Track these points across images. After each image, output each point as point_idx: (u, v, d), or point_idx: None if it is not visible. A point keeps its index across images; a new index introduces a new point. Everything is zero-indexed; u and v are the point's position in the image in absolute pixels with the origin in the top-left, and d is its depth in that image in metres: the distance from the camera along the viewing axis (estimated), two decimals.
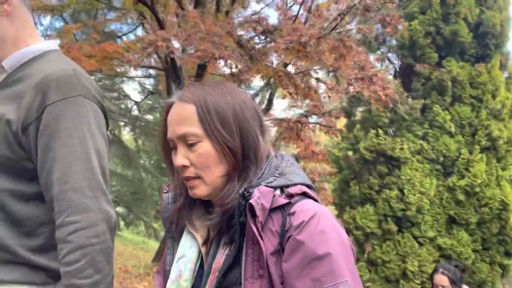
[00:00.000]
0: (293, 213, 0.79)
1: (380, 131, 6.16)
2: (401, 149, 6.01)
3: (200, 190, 0.86)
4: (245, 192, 0.80)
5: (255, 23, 5.14)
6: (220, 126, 0.84)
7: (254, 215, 0.77)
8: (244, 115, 0.87)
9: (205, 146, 0.84)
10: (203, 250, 0.88)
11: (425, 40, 6.35)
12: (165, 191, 0.97)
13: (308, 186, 0.86)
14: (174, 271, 0.89)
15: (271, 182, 0.82)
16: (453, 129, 6.04)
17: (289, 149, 11.67)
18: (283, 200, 0.80)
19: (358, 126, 6.62)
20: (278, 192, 0.82)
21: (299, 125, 7.87)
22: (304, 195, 0.84)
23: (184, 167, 0.85)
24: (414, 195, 5.88)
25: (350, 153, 6.79)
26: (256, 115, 0.89)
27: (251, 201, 0.77)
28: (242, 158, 0.85)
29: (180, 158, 0.85)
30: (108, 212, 1.00)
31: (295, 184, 0.84)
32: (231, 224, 0.81)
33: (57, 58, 1.10)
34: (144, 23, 8.17)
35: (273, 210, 0.80)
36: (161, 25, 7.37)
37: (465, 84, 6.15)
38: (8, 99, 1.04)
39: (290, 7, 8.40)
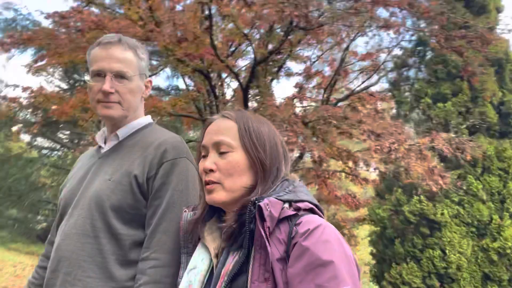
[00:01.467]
0: (299, 223, 0.86)
1: (422, 197, 7.12)
2: (442, 214, 6.97)
3: (219, 195, 0.95)
4: (256, 201, 0.86)
5: (326, 111, 6.11)
6: (256, 142, 0.97)
7: (262, 219, 0.83)
8: (275, 141, 1.00)
9: (235, 156, 0.96)
10: (214, 261, 0.94)
11: (457, 119, 7.44)
12: (185, 211, 1.07)
13: (316, 206, 0.94)
14: (184, 282, 0.95)
15: (281, 196, 0.91)
16: (484, 197, 7.04)
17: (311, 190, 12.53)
18: (290, 212, 0.88)
19: (399, 190, 7.57)
20: (286, 205, 0.90)
21: (327, 174, 8.76)
22: (311, 211, 0.92)
23: (211, 171, 0.96)
24: (455, 254, 6.81)
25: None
26: (283, 147, 1.03)
27: (260, 203, 0.84)
28: (268, 174, 0.96)
29: (209, 162, 0.96)
30: (160, 260, 1.15)
31: (303, 201, 0.92)
32: (241, 232, 0.87)
33: (161, 128, 1.40)
34: (190, 78, 9.06)
35: (281, 220, 0.87)
36: (214, 92, 8.32)
37: (493, 157, 7.20)
38: (130, 159, 1.27)
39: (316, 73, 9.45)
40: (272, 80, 8.93)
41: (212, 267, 0.93)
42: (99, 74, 1.30)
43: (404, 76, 8.74)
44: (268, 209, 0.83)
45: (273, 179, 0.96)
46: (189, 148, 1.33)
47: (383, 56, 8.70)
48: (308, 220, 0.85)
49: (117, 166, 1.26)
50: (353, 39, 8.22)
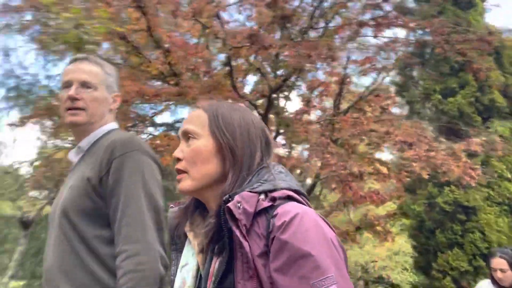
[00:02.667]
0: (276, 215, 0.81)
1: (453, 187, 7.70)
2: (474, 199, 7.54)
3: (185, 184, 0.91)
4: (229, 199, 0.83)
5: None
6: (224, 128, 0.92)
7: (234, 218, 0.80)
8: (249, 130, 0.94)
9: (198, 143, 0.92)
10: (198, 258, 0.91)
11: (470, 108, 8.04)
12: (171, 207, 1.02)
13: (296, 192, 0.89)
14: (178, 280, 0.93)
15: (255, 187, 0.86)
16: (509, 175, 7.62)
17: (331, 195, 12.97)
18: (266, 204, 0.83)
19: (430, 184, 8.14)
20: (262, 196, 0.85)
21: (351, 177, 9.31)
22: (289, 198, 0.86)
23: (178, 159, 0.93)
24: (494, 234, 7.37)
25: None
26: (262, 135, 0.96)
27: (228, 204, 0.80)
28: (239, 162, 0.90)
29: (177, 150, 0.93)
30: (152, 243, 1.17)
31: (280, 189, 0.86)
32: (221, 231, 0.84)
33: (120, 131, 1.42)
34: None
35: (258, 214, 0.83)
36: None
37: (510, 138, 7.80)
38: (86, 165, 1.31)
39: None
40: (285, 102, 9.50)
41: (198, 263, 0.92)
42: (68, 85, 1.41)
43: (408, 75, 9.33)
44: (241, 207, 0.80)
45: (247, 168, 0.91)
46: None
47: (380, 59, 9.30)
48: (284, 211, 0.81)
49: (77, 174, 1.32)
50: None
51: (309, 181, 9.53)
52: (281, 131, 8.36)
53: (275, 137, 8.93)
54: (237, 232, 0.79)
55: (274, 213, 0.82)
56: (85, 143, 1.39)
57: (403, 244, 15.01)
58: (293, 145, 8.99)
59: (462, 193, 7.62)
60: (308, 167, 7.27)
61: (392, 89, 9.94)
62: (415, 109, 8.56)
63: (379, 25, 7.11)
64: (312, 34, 8.40)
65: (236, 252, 0.80)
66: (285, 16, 7.53)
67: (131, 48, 6.32)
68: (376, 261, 18.06)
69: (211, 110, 0.95)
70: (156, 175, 1.30)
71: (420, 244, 8.51)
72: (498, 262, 2.93)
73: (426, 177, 5.45)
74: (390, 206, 12.26)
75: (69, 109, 1.40)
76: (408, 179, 8.82)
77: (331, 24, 8.55)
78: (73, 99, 1.39)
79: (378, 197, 9.82)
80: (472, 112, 8.03)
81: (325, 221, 0.84)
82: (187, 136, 0.94)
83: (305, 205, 0.86)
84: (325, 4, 8.02)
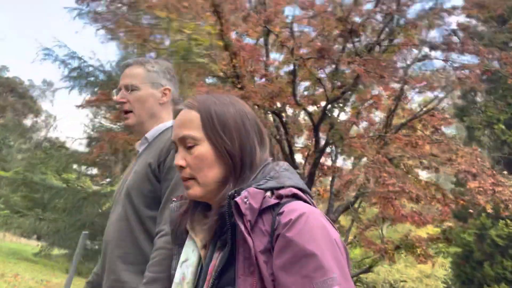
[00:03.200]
0: (282, 213, 0.81)
1: (508, 221, 7.49)
2: None
3: (194, 191, 0.91)
4: (234, 193, 0.82)
5: None
6: (221, 131, 0.90)
7: (240, 213, 0.79)
8: (244, 125, 0.92)
9: (201, 149, 0.90)
10: (202, 253, 0.91)
11: None
12: (174, 201, 1.02)
13: (302, 190, 0.88)
14: (178, 275, 0.93)
15: (262, 184, 0.85)
16: None
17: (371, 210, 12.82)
18: (272, 201, 0.83)
19: (483, 214, 7.95)
20: (268, 193, 0.84)
21: (394, 195, 9.18)
22: (295, 197, 0.85)
23: (181, 167, 0.91)
24: None
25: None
26: (256, 127, 0.94)
27: (236, 199, 0.80)
28: (240, 163, 0.89)
29: (178, 159, 0.92)
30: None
31: (286, 187, 0.86)
32: (223, 226, 0.84)
33: None
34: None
35: (263, 210, 0.82)
36: (286, 128, 8.96)
37: None
38: (149, 153, 1.42)
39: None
40: (339, 114, 9.54)
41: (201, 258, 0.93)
42: (119, 91, 1.55)
43: (471, 100, 9.14)
44: (247, 202, 0.81)
45: (249, 166, 0.90)
46: None
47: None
48: (291, 209, 0.81)
49: (141, 160, 1.45)
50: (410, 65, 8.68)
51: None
52: (331, 141, 8.40)
53: (324, 146, 8.99)
54: (242, 227, 0.79)
55: (280, 210, 0.82)
56: (150, 135, 1.50)
57: (436, 268, 14.54)
58: (342, 155, 9.02)
59: None
60: (361, 182, 7.28)
61: (452, 112, 9.76)
62: (474, 136, 8.38)
63: (451, 49, 7.03)
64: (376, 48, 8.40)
65: (239, 247, 0.80)
66: (353, 31, 7.60)
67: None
68: (406, 281, 17.73)
69: (204, 111, 0.92)
70: None
71: (465, 274, 8.33)
72: None
73: (490, 211, 5.37)
74: (432, 229, 12.03)
75: (123, 112, 1.54)
76: (457, 206, 8.66)
77: (395, 40, 8.53)
78: (119, 103, 1.53)
79: (419, 218, 9.70)
80: None
81: (329, 221, 0.84)
82: (186, 142, 0.91)
83: (310, 204, 0.85)
84: (395, 23, 8.00)
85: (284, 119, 9.05)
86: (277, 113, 8.53)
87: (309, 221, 0.79)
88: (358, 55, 7.65)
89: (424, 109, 9.29)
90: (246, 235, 0.78)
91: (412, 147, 8.61)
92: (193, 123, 0.92)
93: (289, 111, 9.83)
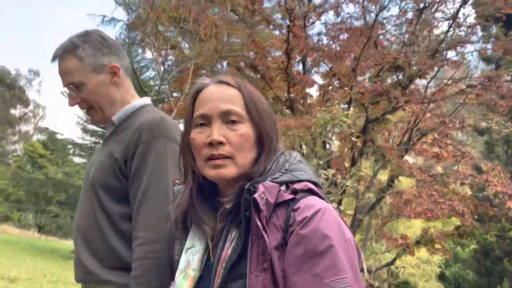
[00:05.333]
0: (297, 209, 0.79)
1: None
2: None
3: (229, 171, 0.85)
4: (251, 187, 0.81)
5: None
6: (262, 114, 0.89)
7: (258, 210, 0.77)
8: (270, 112, 0.93)
9: (246, 128, 0.87)
10: (210, 243, 0.90)
11: None
12: (176, 184, 0.99)
13: (315, 184, 0.87)
14: (183, 261, 0.91)
15: (277, 178, 0.83)
16: None
17: None
18: (287, 196, 0.81)
19: (504, 219, 9.54)
20: (283, 187, 0.83)
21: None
22: (310, 191, 0.85)
23: (220, 143, 0.85)
24: None
25: None
26: (272, 112, 0.95)
27: (255, 195, 0.78)
28: (273, 147, 0.90)
29: (217, 134, 0.85)
30: (149, 238, 1.18)
31: (301, 181, 0.85)
32: (238, 217, 0.82)
33: (150, 110, 1.39)
34: None
35: (277, 205, 0.81)
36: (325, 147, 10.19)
37: None
38: (116, 143, 1.33)
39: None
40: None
41: (208, 246, 0.90)
42: (66, 90, 1.39)
43: (489, 118, 10.59)
44: (264, 198, 0.78)
45: (274, 151, 0.90)
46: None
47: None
48: (307, 205, 0.79)
49: (107, 149, 1.34)
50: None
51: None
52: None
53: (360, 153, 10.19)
54: (259, 224, 0.77)
55: (296, 206, 0.80)
56: (116, 118, 1.39)
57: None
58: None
59: None
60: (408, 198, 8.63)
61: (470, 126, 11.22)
62: (494, 151, 9.90)
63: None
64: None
65: (252, 242, 0.78)
66: (398, 67, 8.87)
67: None
68: (404, 267, 19.51)
69: (244, 90, 0.90)
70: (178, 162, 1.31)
71: (485, 268, 9.98)
72: None
73: None
74: (446, 226, 13.62)
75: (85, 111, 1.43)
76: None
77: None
78: (73, 105, 1.40)
79: (432, 214, 11.23)
80: None
81: (343, 220, 0.82)
82: (229, 117, 0.87)
83: (323, 198, 0.85)
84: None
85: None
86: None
87: (324, 219, 0.78)
88: (402, 86, 8.96)
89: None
90: (263, 232, 0.77)
91: (438, 159, 10.06)
92: (237, 101, 0.88)
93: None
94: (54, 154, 31.94)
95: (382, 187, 10.55)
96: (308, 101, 9.44)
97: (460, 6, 8.39)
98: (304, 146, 8.78)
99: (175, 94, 13.78)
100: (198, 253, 0.91)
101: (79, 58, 1.35)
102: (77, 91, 1.37)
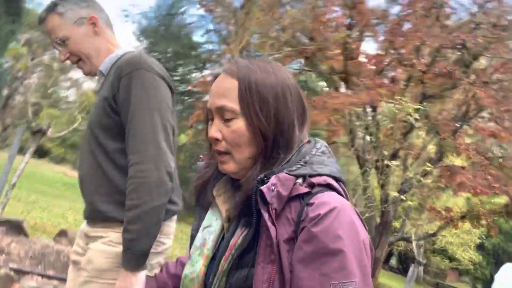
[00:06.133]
0: (311, 204, 0.77)
1: None
2: None
3: (229, 167, 0.86)
4: (264, 178, 0.79)
5: None
6: (258, 108, 0.82)
7: (265, 202, 0.76)
8: (285, 99, 0.84)
9: (240, 124, 0.83)
10: (225, 225, 0.89)
11: None
12: (201, 160, 0.98)
13: (336, 179, 0.84)
14: (199, 239, 0.92)
15: (294, 170, 0.81)
16: None
17: None
18: (303, 189, 0.79)
19: None
20: (299, 180, 0.80)
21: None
22: (328, 186, 0.81)
23: (216, 140, 0.85)
24: None
25: None
26: (298, 101, 0.87)
27: (262, 188, 0.76)
28: (272, 145, 0.83)
29: (213, 130, 0.86)
30: (156, 155, 1.27)
31: (320, 175, 0.82)
32: (250, 207, 0.80)
33: (133, 52, 1.46)
34: None
35: (292, 198, 0.79)
36: None
37: None
38: (106, 85, 1.42)
39: None
40: None
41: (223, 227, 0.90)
42: (54, 47, 1.52)
43: None
44: (275, 190, 0.76)
45: (284, 147, 0.84)
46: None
47: None
48: (322, 202, 0.76)
49: (100, 94, 1.43)
50: None
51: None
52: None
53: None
54: (266, 216, 0.75)
55: (310, 201, 0.78)
56: (104, 67, 1.48)
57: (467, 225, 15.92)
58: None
59: None
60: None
61: None
62: None
63: None
64: None
65: (262, 233, 0.77)
66: (463, 45, 8.55)
67: None
68: (445, 236, 19.56)
69: (242, 80, 0.83)
70: (163, 91, 1.35)
71: None
72: None
73: None
74: (499, 204, 13.43)
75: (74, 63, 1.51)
76: None
77: None
78: (64, 60, 1.51)
79: (480, 189, 11.13)
80: None
81: (360, 218, 0.80)
82: (223, 114, 0.84)
83: (343, 194, 0.82)
84: None
85: None
86: None
87: (338, 218, 0.75)
88: (465, 65, 8.68)
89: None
90: (269, 224, 0.75)
91: (494, 137, 9.84)
92: (231, 93, 0.84)
93: None
94: None
95: (430, 159, 10.52)
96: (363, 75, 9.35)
97: None
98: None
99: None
100: (213, 233, 0.91)
101: (60, 14, 1.47)
102: (64, 46, 1.48)
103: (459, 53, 8.67)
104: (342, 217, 0.76)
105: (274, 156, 0.84)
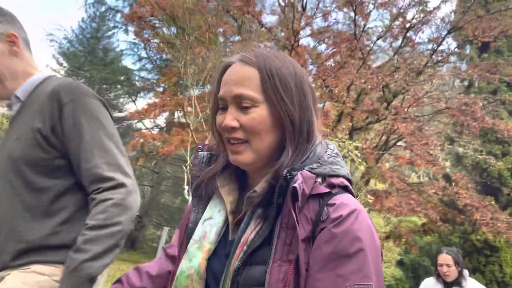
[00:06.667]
0: (333, 205, 0.77)
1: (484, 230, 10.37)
2: (499, 241, 10.25)
3: (245, 157, 0.83)
4: (287, 175, 0.77)
5: None
6: (283, 92, 0.81)
7: (295, 200, 0.75)
8: (303, 87, 0.84)
9: (260, 112, 0.81)
10: (230, 218, 0.86)
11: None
12: (200, 150, 0.94)
13: (349, 181, 0.84)
14: (199, 231, 0.87)
15: (315, 168, 0.80)
16: None
17: None
18: (324, 189, 0.79)
19: (466, 223, 10.76)
20: (319, 179, 0.80)
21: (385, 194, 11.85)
22: (345, 189, 0.82)
23: (233, 128, 0.82)
24: (509, 268, 10.14)
25: None
26: (312, 93, 0.87)
27: (295, 185, 0.75)
28: (298, 132, 0.82)
29: (230, 119, 0.82)
30: (129, 181, 1.19)
31: (338, 176, 0.82)
32: (268, 202, 0.78)
33: (58, 77, 1.35)
34: None
35: (311, 196, 0.78)
36: None
37: None
38: (31, 115, 1.23)
39: None
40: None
41: (227, 219, 0.87)
42: None
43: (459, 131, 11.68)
44: (302, 188, 0.75)
45: (307, 136, 0.83)
46: None
47: None
48: (343, 203, 0.77)
49: (22, 125, 1.25)
50: None
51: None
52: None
53: None
54: (294, 214, 0.74)
55: (330, 201, 0.78)
56: (21, 93, 1.30)
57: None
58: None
59: (490, 235, 10.33)
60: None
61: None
62: (463, 163, 11.05)
63: None
64: None
65: (281, 231, 0.75)
66: (385, 85, 9.74)
67: None
68: None
69: (263, 68, 0.82)
70: (109, 117, 1.28)
71: None
72: (444, 258, 3.26)
73: (491, 238, 7.96)
74: (415, 223, 14.90)
75: None
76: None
77: None
78: None
79: (405, 213, 12.39)
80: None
81: (373, 224, 0.80)
82: (241, 101, 0.82)
83: (355, 197, 0.83)
84: None
85: None
86: None
87: (358, 221, 0.75)
88: (387, 102, 9.83)
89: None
90: (296, 223, 0.74)
91: (411, 165, 11.12)
92: (252, 82, 0.82)
93: None
94: None
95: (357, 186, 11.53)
96: None
97: (445, 36, 9.26)
98: None
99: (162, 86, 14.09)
100: (216, 226, 0.87)
101: None
102: None
103: (381, 92, 9.79)
104: (361, 220, 0.76)
105: (300, 145, 0.83)
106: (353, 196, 0.83)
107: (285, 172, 0.78)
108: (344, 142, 6.44)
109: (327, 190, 0.80)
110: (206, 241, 0.86)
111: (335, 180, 0.82)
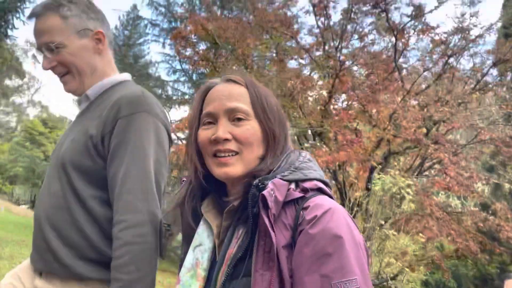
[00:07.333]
0: (307, 207, 0.79)
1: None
2: None
3: (235, 169, 0.87)
4: (259, 184, 0.80)
5: None
6: (268, 111, 0.91)
7: (266, 207, 0.77)
8: (278, 107, 0.95)
9: (253, 124, 0.89)
10: (216, 241, 0.88)
11: None
12: (183, 180, 0.99)
13: (324, 183, 0.87)
14: (190, 259, 0.89)
15: (287, 175, 0.84)
16: None
17: None
18: (297, 194, 0.82)
19: (505, 254, 10.64)
20: (293, 186, 0.83)
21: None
22: (319, 191, 0.85)
23: (226, 140, 0.86)
24: None
25: None
26: (283, 115, 0.97)
27: (264, 192, 0.77)
28: (277, 145, 0.91)
29: (222, 131, 0.86)
30: (155, 214, 1.10)
31: (311, 179, 0.85)
32: (245, 214, 0.81)
33: (131, 84, 1.30)
34: None
35: (286, 203, 0.81)
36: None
37: None
38: (91, 119, 1.21)
39: None
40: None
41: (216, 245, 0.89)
42: (40, 52, 1.30)
43: (498, 160, 11.58)
44: (273, 195, 0.78)
45: (281, 149, 0.91)
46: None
47: None
48: (317, 204, 0.79)
49: (81, 127, 1.22)
50: None
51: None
52: None
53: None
54: (266, 221, 0.76)
55: (305, 205, 0.80)
56: (92, 92, 1.29)
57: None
58: None
59: None
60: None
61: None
62: (502, 192, 10.93)
63: None
64: None
65: (259, 239, 0.77)
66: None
67: None
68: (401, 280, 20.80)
69: (251, 87, 0.92)
70: (164, 141, 1.21)
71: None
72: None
73: None
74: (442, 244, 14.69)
75: (58, 76, 1.31)
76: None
77: None
78: (48, 68, 1.28)
79: (435, 234, 12.25)
80: None
81: (353, 220, 0.82)
82: (235, 115, 0.89)
83: (333, 198, 0.86)
84: None
85: None
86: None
87: (334, 219, 0.77)
88: (427, 129, 9.83)
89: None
90: (270, 229, 0.75)
91: (448, 190, 11.04)
92: (243, 98, 0.90)
93: None
94: (53, 131, 32.36)
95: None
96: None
97: (490, 67, 9.26)
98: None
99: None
100: (207, 252, 0.89)
101: (63, 16, 1.26)
102: (54, 53, 1.26)
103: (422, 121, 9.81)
104: (337, 218, 0.78)
105: (276, 156, 0.90)
106: (330, 197, 0.85)
107: (256, 181, 0.81)
108: (395, 178, 6.48)
109: (301, 194, 0.83)
110: (200, 269, 0.88)
111: (308, 184, 0.84)
